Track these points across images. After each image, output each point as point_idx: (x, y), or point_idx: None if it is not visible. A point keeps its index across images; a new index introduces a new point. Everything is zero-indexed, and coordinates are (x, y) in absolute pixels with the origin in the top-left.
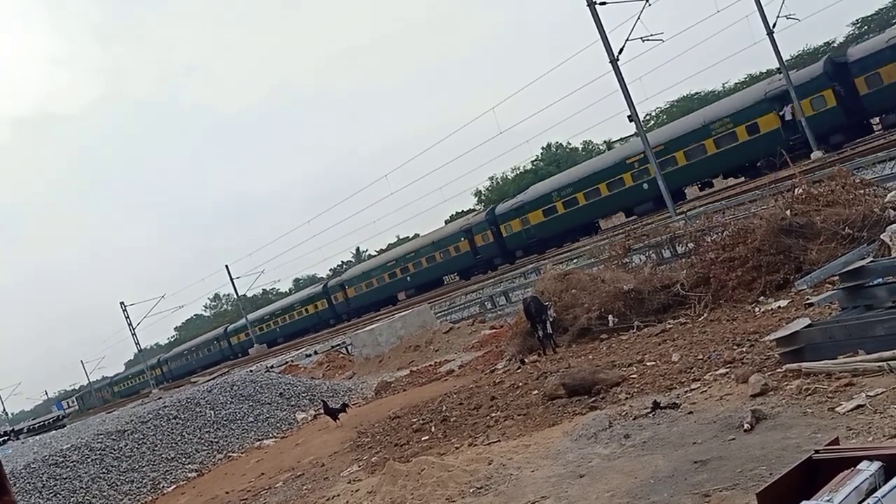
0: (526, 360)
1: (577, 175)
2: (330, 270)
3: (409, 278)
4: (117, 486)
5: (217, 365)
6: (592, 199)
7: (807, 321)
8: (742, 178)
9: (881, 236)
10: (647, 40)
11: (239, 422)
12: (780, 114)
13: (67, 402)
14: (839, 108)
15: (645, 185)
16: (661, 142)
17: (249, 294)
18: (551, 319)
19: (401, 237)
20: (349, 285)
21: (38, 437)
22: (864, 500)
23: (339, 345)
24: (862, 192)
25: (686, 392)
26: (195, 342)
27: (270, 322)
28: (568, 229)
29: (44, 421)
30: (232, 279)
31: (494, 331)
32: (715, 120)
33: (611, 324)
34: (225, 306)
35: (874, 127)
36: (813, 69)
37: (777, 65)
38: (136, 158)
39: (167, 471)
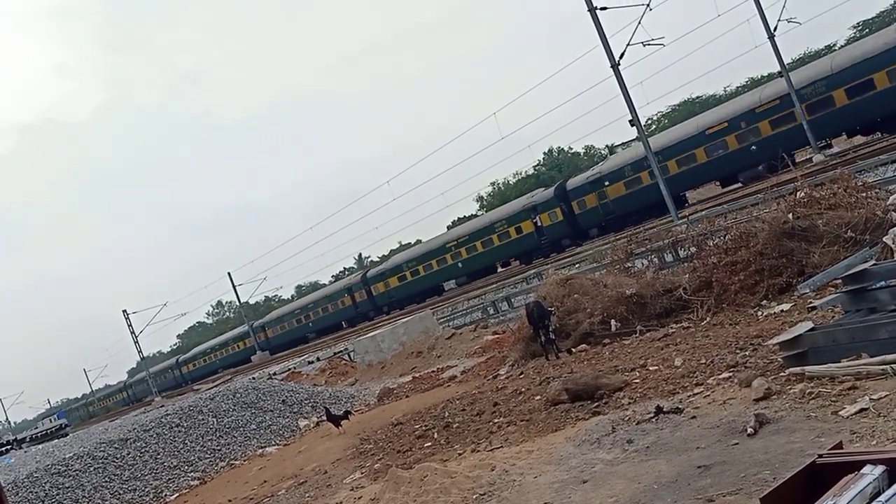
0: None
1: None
2: (332, 276)
3: (310, 324)
4: (120, 494)
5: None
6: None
7: (810, 325)
8: (519, 263)
9: (884, 239)
10: (648, 45)
11: (241, 429)
12: (534, 220)
13: (49, 419)
14: (565, 222)
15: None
16: (464, 233)
17: (252, 301)
18: (553, 327)
19: (402, 243)
20: (268, 327)
21: (40, 446)
22: None
23: (341, 351)
24: (864, 194)
25: (689, 396)
26: (155, 368)
27: (211, 355)
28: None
29: (46, 430)
30: (234, 286)
31: (497, 336)
32: (497, 221)
33: (613, 328)
34: (227, 313)
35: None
36: (548, 193)
37: (778, 68)
38: (140, 165)
39: (170, 479)
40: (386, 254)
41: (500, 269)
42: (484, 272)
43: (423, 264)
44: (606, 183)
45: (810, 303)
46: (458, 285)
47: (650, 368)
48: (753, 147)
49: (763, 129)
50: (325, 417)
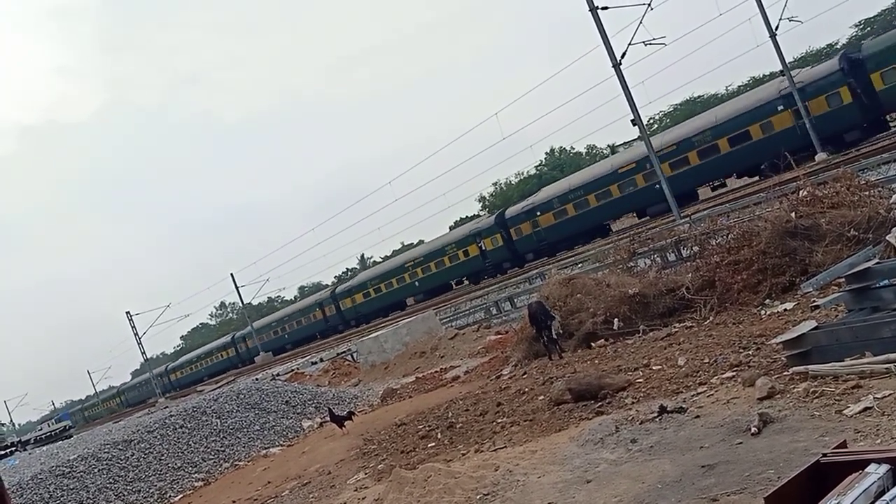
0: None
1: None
2: (335, 277)
3: (287, 336)
4: (124, 496)
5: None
6: None
7: (813, 324)
8: (468, 282)
9: (887, 237)
10: (650, 44)
11: (245, 430)
12: (479, 245)
13: (48, 424)
14: (505, 247)
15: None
16: (420, 255)
17: (255, 302)
18: (557, 332)
19: (405, 244)
20: (248, 339)
21: (45, 448)
22: (872, 503)
23: (344, 352)
24: (867, 193)
25: (693, 396)
26: (145, 377)
27: (197, 363)
28: None
29: (50, 431)
30: (237, 287)
31: (500, 336)
32: (448, 244)
33: (616, 328)
34: (231, 314)
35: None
36: (490, 220)
37: (780, 67)
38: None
39: (174, 480)
40: (388, 254)
41: (455, 287)
42: (439, 290)
43: (385, 282)
44: (538, 213)
45: (813, 302)
46: (416, 301)
47: (653, 368)
48: (657, 186)
49: (664, 170)
50: (328, 418)
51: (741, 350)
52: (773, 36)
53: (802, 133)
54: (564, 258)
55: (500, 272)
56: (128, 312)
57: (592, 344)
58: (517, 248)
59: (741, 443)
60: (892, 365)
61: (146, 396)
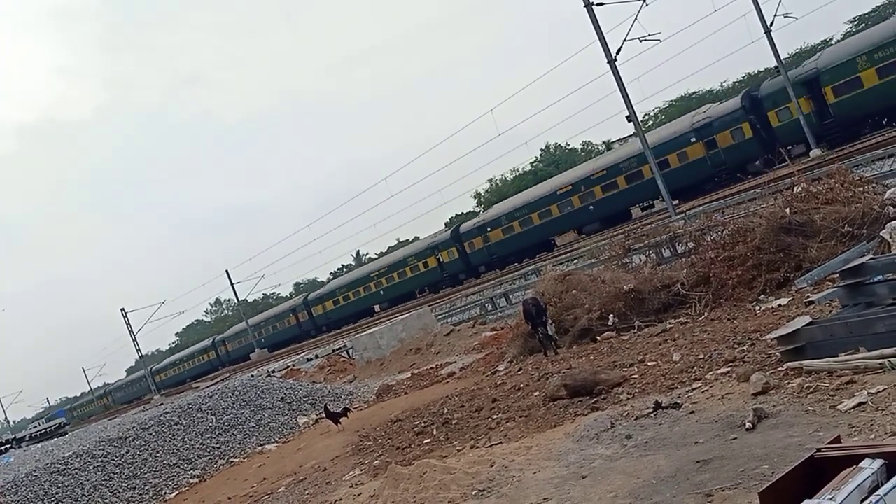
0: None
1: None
2: (330, 274)
3: (262, 340)
4: (119, 493)
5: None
6: None
7: (807, 319)
8: (428, 292)
9: (881, 233)
10: (645, 40)
11: (240, 427)
12: (437, 257)
13: (39, 423)
14: (460, 259)
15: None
16: (384, 265)
17: (250, 299)
18: (551, 331)
19: (400, 240)
20: (228, 342)
21: (39, 445)
22: (866, 498)
23: (340, 348)
24: (861, 189)
25: (687, 392)
26: (128, 379)
27: (180, 366)
28: None
29: (46, 428)
30: (232, 284)
31: (495, 333)
32: (409, 256)
33: (611, 323)
34: (226, 311)
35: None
36: (446, 234)
37: (775, 63)
38: (141, 166)
39: (169, 477)
40: (384, 251)
41: (418, 295)
42: (403, 298)
43: (354, 290)
44: (489, 229)
45: (808, 297)
46: (381, 309)
47: (648, 364)
48: (591, 206)
49: (596, 193)
50: (324, 414)
51: (736, 346)
52: (767, 32)
53: (712, 163)
54: (560, 255)
55: (457, 283)
56: (122, 309)
57: (598, 338)
58: (471, 261)
59: (736, 438)
60: (886, 360)
61: (135, 396)
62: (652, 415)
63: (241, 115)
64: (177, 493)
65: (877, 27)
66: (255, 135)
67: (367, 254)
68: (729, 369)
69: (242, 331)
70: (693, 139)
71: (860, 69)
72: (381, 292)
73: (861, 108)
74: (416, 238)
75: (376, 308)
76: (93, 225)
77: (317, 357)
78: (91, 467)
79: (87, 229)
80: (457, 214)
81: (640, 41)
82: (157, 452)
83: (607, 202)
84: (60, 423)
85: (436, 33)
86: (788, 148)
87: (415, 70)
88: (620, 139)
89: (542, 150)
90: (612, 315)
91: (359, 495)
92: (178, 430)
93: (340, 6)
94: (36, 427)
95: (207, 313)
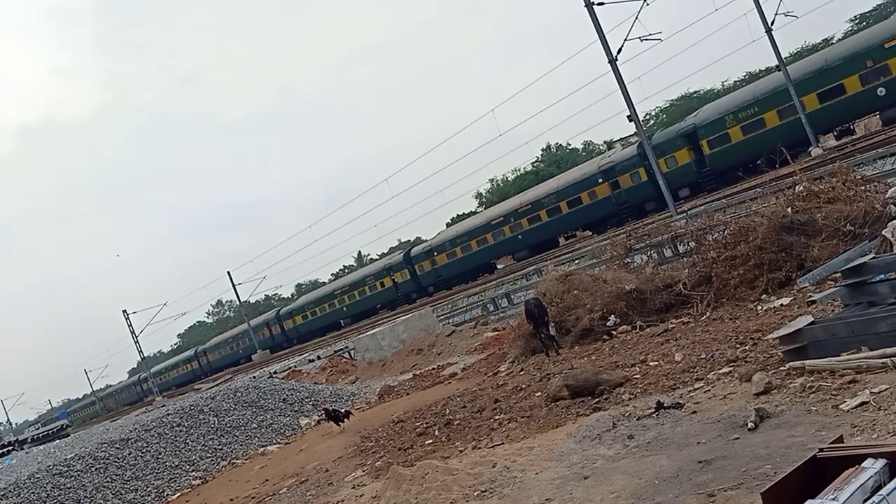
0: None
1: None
2: (332, 275)
3: (241, 350)
4: (121, 494)
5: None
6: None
7: (809, 319)
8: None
9: (883, 232)
10: (646, 40)
11: (242, 428)
12: (392, 277)
13: (37, 427)
14: (412, 280)
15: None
16: (346, 284)
17: (252, 300)
18: (552, 332)
19: (402, 240)
20: (209, 352)
21: (42, 447)
22: (869, 498)
23: (341, 349)
24: (863, 188)
25: (689, 392)
26: (111, 389)
27: (167, 374)
28: None
29: (48, 430)
30: (234, 285)
31: (497, 333)
32: (368, 276)
33: (612, 323)
34: (227, 312)
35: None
36: (399, 257)
37: (776, 62)
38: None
39: (171, 478)
40: (385, 251)
41: (379, 311)
42: (365, 314)
43: (320, 306)
44: (436, 253)
45: (810, 297)
46: (344, 325)
47: (650, 364)
48: (520, 236)
49: (524, 224)
50: (325, 416)
51: (738, 345)
52: (768, 31)
53: (617, 201)
54: (560, 255)
55: (409, 301)
56: (125, 311)
57: (613, 332)
58: (421, 282)
59: (738, 438)
60: (888, 359)
61: (129, 402)
62: (654, 415)
63: (240, 115)
64: (179, 494)
65: (740, 91)
66: (255, 134)
67: (369, 254)
68: (731, 369)
69: (223, 342)
70: (600, 180)
71: (728, 126)
72: (344, 308)
73: (730, 159)
74: (418, 238)
75: (342, 322)
76: (92, 224)
77: (319, 358)
78: (93, 469)
79: (86, 229)
80: (458, 215)
81: (641, 40)
82: (159, 454)
83: (534, 232)
84: (62, 425)
85: (436, 32)
86: (679, 191)
87: (415, 69)
88: (622, 139)
89: (543, 150)
90: (613, 315)
91: (361, 496)
92: (180, 431)
93: (340, 5)
94: (38, 429)
95: (209, 314)
